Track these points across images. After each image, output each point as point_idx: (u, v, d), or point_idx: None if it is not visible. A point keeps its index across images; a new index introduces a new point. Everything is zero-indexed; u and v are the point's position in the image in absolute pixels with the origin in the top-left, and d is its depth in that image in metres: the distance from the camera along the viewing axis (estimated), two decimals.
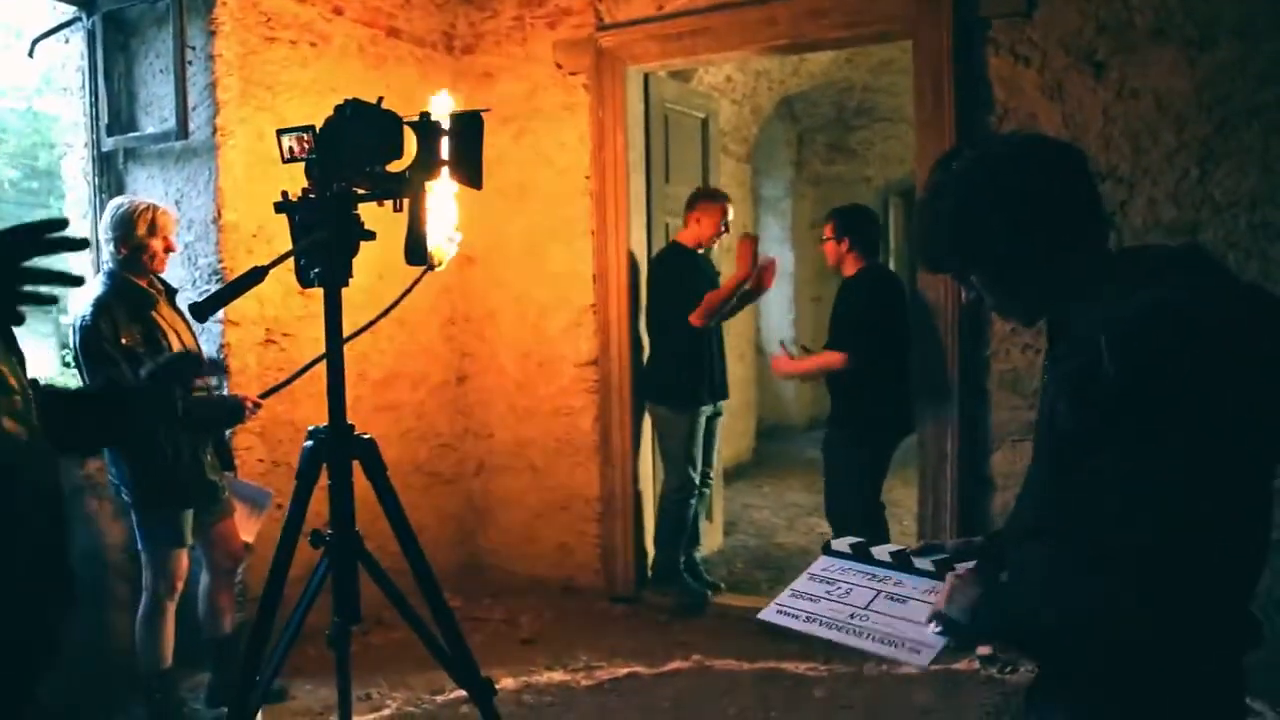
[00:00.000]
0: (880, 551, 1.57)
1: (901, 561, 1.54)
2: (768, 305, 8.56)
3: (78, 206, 3.80)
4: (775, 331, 8.55)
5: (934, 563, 1.51)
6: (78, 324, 2.94)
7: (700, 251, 4.29)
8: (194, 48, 3.53)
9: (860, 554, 1.58)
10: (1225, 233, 3.28)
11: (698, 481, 4.31)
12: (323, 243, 1.65)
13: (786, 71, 6.97)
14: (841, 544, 1.61)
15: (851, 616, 1.46)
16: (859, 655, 3.60)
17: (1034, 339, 3.55)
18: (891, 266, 7.01)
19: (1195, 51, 3.29)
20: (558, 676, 3.63)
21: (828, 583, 1.55)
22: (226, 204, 3.56)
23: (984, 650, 3.54)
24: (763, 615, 1.53)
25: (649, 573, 4.44)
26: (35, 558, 1.27)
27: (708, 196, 4.28)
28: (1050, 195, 1.26)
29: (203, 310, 1.47)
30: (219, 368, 3.44)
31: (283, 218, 1.84)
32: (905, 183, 8.25)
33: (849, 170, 8.63)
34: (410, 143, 1.81)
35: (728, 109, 6.57)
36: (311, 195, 1.72)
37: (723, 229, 4.23)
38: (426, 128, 1.77)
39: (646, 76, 4.43)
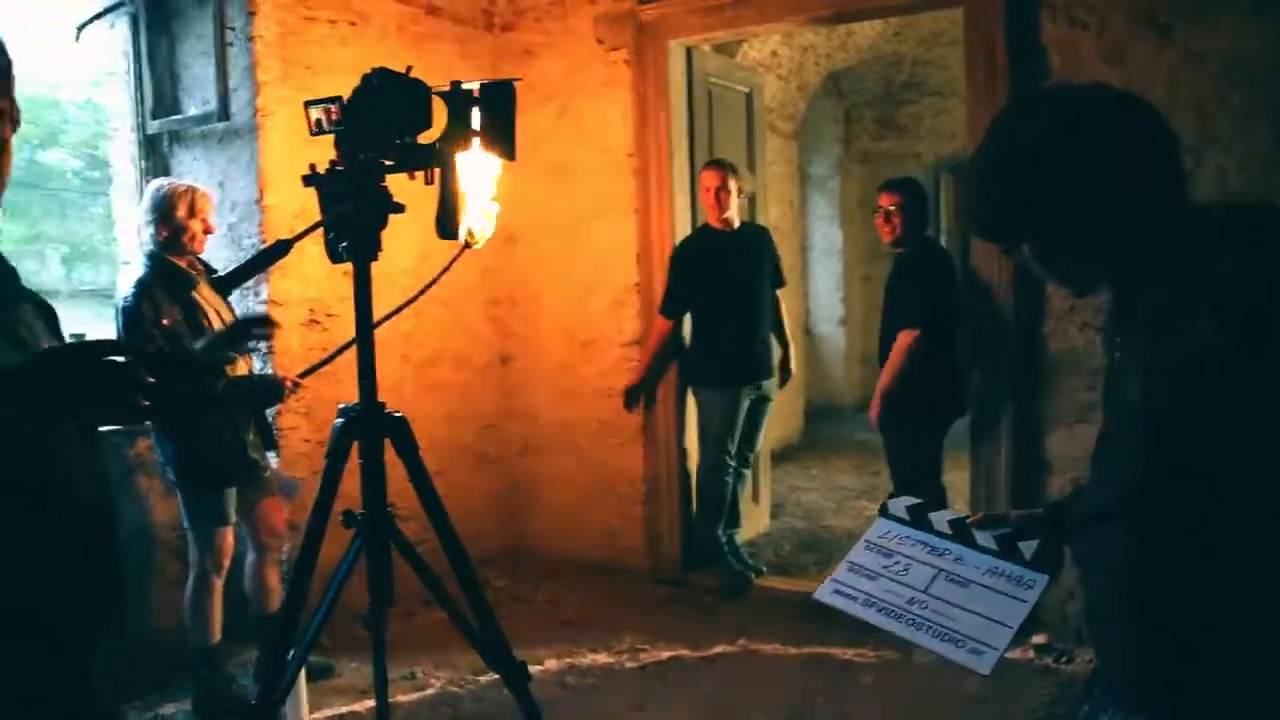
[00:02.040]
0: (939, 519, 1.50)
1: (961, 532, 1.47)
2: (816, 285, 8.44)
3: (126, 190, 3.85)
4: (824, 311, 8.44)
5: (996, 538, 1.43)
6: (120, 306, 2.97)
7: (729, 229, 4.17)
8: (234, 29, 3.53)
9: (918, 520, 1.51)
10: None
11: (732, 462, 4.24)
12: (349, 215, 1.61)
13: (833, 45, 6.82)
14: (899, 506, 1.54)
15: (910, 602, 1.41)
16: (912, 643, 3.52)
17: (1093, 317, 3.41)
18: (942, 243, 6.83)
19: (1264, 11, 3.12)
20: (601, 658, 3.61)
21: (885, 554, 1.50)
22: (269, 185, 3.57)
23: (1040, 639, 3.43)
24: (819, 595, 1.48)
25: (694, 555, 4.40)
26: (82, 536, 1.27)
27: (703, 168, 4.19)
28: (1125, 164, 1.15)
29: (227, 284, 1.46)
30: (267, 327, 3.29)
31: (314, 199, 1.81)
32: (956, 158, 8.04)
33: (898, 146, 8.44)
34: (440, 114, 1.77)
35: (773, 85, 6.45)
36: (339, 167, 1.69)
37: (725, 197, 4.06)
38: (457, 97, 1.72)
39: (689, 51, 4.34)
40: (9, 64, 1.19)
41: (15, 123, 1.21)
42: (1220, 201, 1.23)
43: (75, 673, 1.30)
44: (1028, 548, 1.39)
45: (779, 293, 4.42)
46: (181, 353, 2.81)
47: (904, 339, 3.70)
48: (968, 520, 1.47)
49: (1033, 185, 1.18)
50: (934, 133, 8.26)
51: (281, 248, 1.55)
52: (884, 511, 1.56)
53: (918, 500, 1.54)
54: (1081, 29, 3.37)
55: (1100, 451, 1.26)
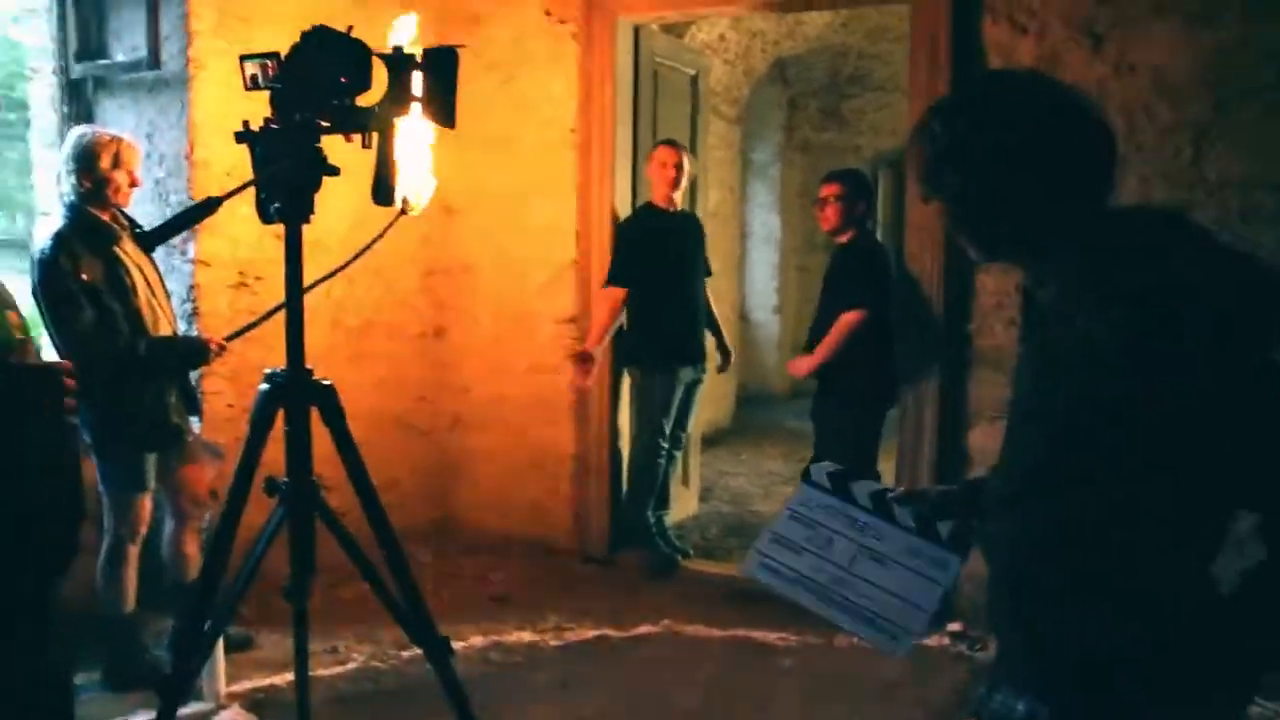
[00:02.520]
0: (860, 490, 1.52)
1: (881, 506, 1.49)
2: (752, 271, 8.49)
3: (45, 135, 3.69)
4: (759, 298, 8.50)
5: (915, 516, 1.46)
6: (36, 258, 2.84)
7: (672, 210, 4.19)
8: None
9: (839, 489, 1.53)
10: (1217, 214, 3.22)
11: (666, 444, 4.27)
12: (283, 175, 1.57)
13: (781, 33, 6.84)
14: (820, 473, 1.56)
15: (835, 581, 1.44)
16: (832, 626, 3.58)
17: (1018, 314, 3.50)
18: (879, 238, 6.94)
19: (1197, 28, 3.22)
20: (527, 636, 3.60)
21: (808, 526, 1.52)
22: (199, 140, 3.46)
23: (954, 626, 3.53)
24: (746, 570, 1.50)
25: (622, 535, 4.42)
26: (49, 470, 1.43)
27: (654, 146, 4.20)
28: (1054, 135, 1.20)
29: (149, 239, 1.41)
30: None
31: (242, 159, 1.76)
32: (896, 154, 8.16)
33: (840, 138, 8.54)
34: (381, 77, 1.73)
35: (719, 68, 6.45)
36: (274, 125, 1.64)
37: (674, 176, 4.08)
38: (398, 61, 1.68)
39: (637, 29, 4.31)
40: None
41: None
42: (1135, 206, 1.28)
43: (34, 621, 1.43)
44: (945, 528, 1.43)
45: (706, 282, 4.45)
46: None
47: (847, 318, 3.77)
48: (888, 495, 1.50)
49: (969, 132, 1.23)
50: (875, 128, 8.37)
51: (210, 205, 1.50)
52: (806, 477, 1.58)
53: (839, 467, 1.56)
54: (1021, 33, 3.44)
55: (1006, 438, 1.31)
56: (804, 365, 3.95)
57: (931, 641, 3.50)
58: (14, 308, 1.49)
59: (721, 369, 4.65)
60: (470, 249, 4.56)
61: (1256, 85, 3.15)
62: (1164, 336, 1.08)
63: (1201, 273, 1.11)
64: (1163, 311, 1.09)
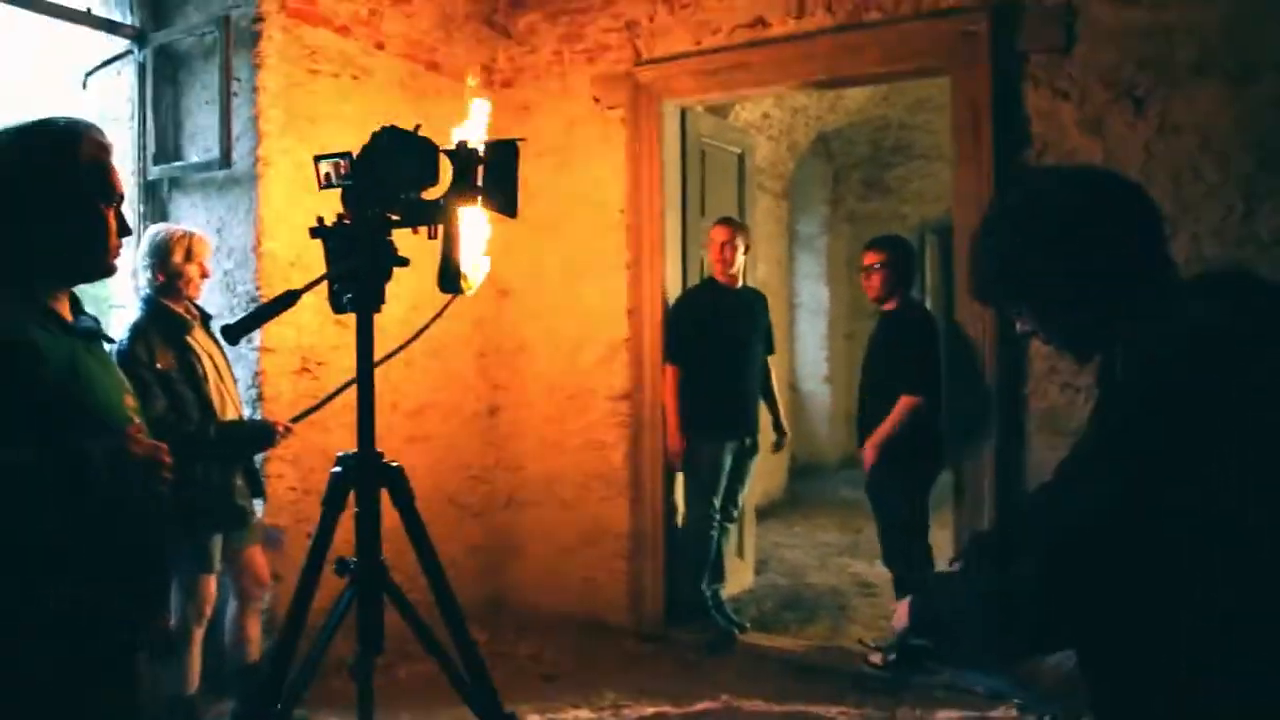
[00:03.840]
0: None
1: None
2: (802, 343, 8.51)
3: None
4: (810, 369, 8.50)
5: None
6: (115, 349, 2.97)
7: (735, 286, 4.27)
8: (239, 80, 3.60)
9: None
10: (1272, 270, 3.18)
11: (718, 516, 4.26)
12: (359, 269, 1.65)
13: (823, 108, 6.98)
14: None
15: None
16: (893, 699, 3.51)
17: (1073, 378, 3.47)
18: (928, 304, 6.94)
19: (1237, 86, 3.24)
20: (584, 715, 3.57)
21: None
22: (266, 232, 3.61)
23: (1018, 701, 3.43)
24: None
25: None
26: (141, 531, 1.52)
27: (715, 224, 4.31)
28: (1100, 229, 1.23)
29: (234, 333, 1.48)
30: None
31: (319, 247, 1.85)
32: (941, 221, 8.20)
33: (885, 208, 8.61)
34: (445, 170, 1.82)
35: (764, 145, 6.59)
36: (347, 221, 1.73)
37: (730, 253, 4.19)
38: (463, 155, 1.77)
39: (683, 111, 4.45)
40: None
41: None
42: (1203, 273, 1.30)
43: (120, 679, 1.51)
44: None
45: (768, 360, 4.50)
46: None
47: (906, 402, 3.77)
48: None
49: (1016, 247, 1.26)
50: (919, 195, 8.43)
51: (290, 298, 1.58)
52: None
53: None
54: (1063, 99, 3.49)
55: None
56: (870, 456, 3.88)
57: (998, 714, 3.40)
58: (130, 392, 1.60)
59: (776, 448, 4.66)
60: (523, 329, 4.66)
61: None
62: (1175, 371, 1.09)
63: (1225, 315, 1.12)
64: (1178, 349, 1.10)
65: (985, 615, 1.18)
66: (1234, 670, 1.09)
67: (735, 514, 4.51)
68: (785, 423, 4.65)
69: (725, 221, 4.31)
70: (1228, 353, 1.09)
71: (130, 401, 1.62)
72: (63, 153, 1.48)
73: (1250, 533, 1.07)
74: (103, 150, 1.53)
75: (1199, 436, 1.06)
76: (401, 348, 2.16)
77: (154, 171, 3.76)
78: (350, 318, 1.89)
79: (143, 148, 3.78)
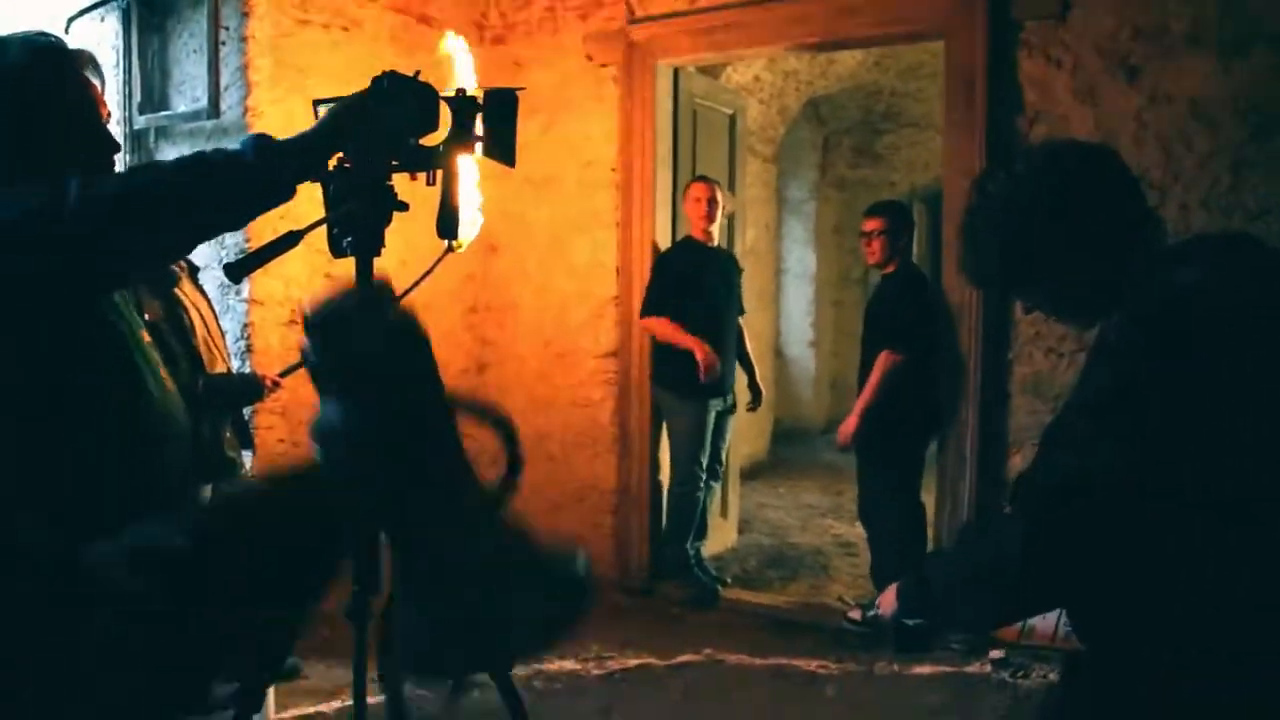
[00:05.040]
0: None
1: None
2: (788, 307, 8.55)
3: None
4: (795, 334, 8.55)
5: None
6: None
7: (710, 245, 4.27)
8: (228, 29, 3.56)
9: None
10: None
11: (704, 475, 4.31)
12: (358, 212, 1.66)
13: (815, 73, 6.96)
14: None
15: None
16: (873, 654, 3.59)
17: (1057, 343, 3.53)
18: None
19: (1230, 58, 3.26)
20: (569, 665, 3.63)
21: None
22: None
23: (997, 653, 3.52)
24: None
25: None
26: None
27: (690, 182, 4.31)
28: (1086, 201, 1.25)
29: (236, 271, 1.49)
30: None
31: (307, 198, 1.84)
32: (931, 189, 8.22)
33: (874, 175, 8.61)
34: (444, 117, 1.81)
35: (755, 108, 6.57)
36: (346, 165, 1.73)
37: (714, 209, 4.19)
38: (462, 103, 1.77)
39: (676, 71, 4.43)
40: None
41: None
42: (1193, 236, 1.33)
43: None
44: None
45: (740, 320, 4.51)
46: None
47: (884, 360, 3.75)
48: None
49: (1014, 226, 1.29)
50: (909, 163, 8.44)
51: (292, 238, 1.57)
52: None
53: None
54: (1056, 67, 3.50)
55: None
56: (851, 424, 3.82)
57: (974, 669, 3.49)
58: (143, 326, 1.70)
59: (752, 408, 4.68)
60: (513, 286, 4.66)
61: None
62: (1168, 332, 1.11)
63: (1219, 275, 1.14)
64: (1170, 311, 1.13)
65: (976, 583, 1.21)
66: (1225, 629, 1.11)
67: (720, 471, 4.56)
68: (760, 383, 4.67)
69: (702, 179, 4.31)
70: (1221, 314, 1.11)
71: (146, 337, 1.64)
72: (64, 55, 1.49)
73: (1241, 493, 1.08)
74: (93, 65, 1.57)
75: (1191, 398, 1.08)
76: (399, 298, 2.16)
77: (140, 121, 3.72)
78: (341, 269, 1.89)
79: (128, 96, 3.74)
